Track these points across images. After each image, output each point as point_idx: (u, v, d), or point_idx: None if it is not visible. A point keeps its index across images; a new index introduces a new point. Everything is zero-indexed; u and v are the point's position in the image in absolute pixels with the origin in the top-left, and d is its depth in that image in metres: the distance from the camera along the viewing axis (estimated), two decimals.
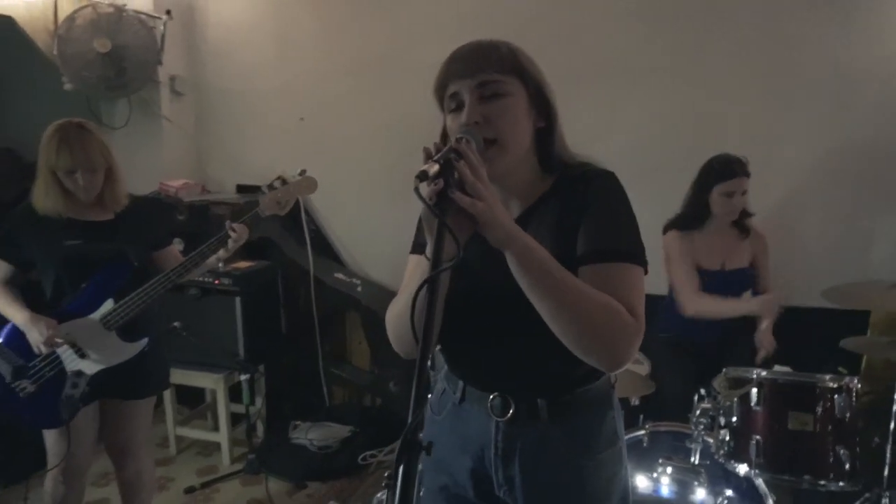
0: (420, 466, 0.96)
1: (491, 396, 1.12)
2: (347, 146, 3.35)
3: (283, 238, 3.30)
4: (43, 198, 1.91)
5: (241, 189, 3.53)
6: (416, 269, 1.10)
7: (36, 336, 1.87)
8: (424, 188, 0.87)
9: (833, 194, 2.81)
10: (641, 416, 2.20)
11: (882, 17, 2.65)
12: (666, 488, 1.90)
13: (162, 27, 3.21)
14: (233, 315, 2.95)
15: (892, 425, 2.06)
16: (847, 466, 1.77)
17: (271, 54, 3.37)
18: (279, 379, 3.22)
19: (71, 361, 1.94)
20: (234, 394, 3.06)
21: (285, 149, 3.45)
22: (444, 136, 1.09)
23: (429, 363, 0.78)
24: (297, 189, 2.11)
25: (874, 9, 2.65)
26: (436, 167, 0.86)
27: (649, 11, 2.88)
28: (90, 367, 1.94)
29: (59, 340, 1.90)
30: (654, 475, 1.94)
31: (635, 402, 2.25)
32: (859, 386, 1.85)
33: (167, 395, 3.03)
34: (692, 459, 1.95)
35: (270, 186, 2.08)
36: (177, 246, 2.28)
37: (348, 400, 3.39)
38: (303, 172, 2.14)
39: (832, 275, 2.42)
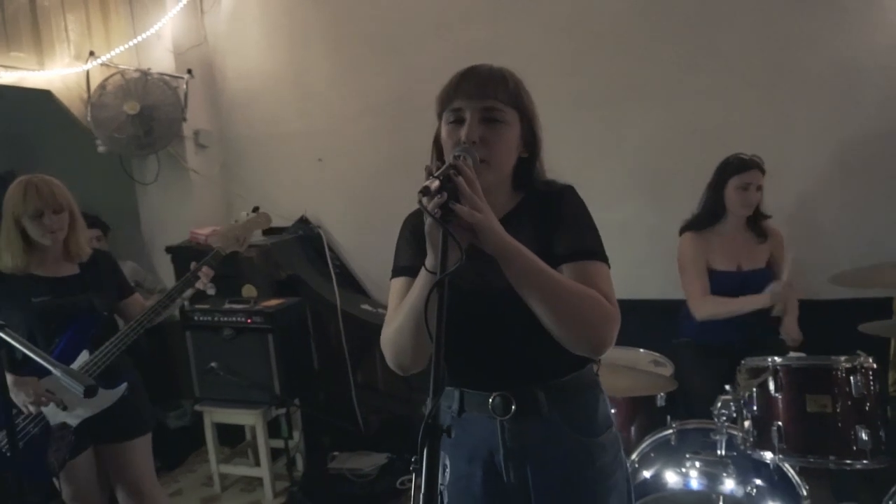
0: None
1: (491, 397, 1.23)
2: (366, 183, 3.60)
3: (309, 274, 3.53)
4: (4, 253, 2.02)
5: (267, 231, 3.78)
6: (402, 289, 1.22)
7: (23, 398, 1.95)
8: (426, 202, 1.00)
9: (847, 186, 2.93)
10: (668, 417, 2.31)
11: (876, 7, 2.80)
12: (695, 482, 2.00)
13: (185, 86, 3.54)
14: (266, 352, 3.13)
15: None
16: (870, 445, 1.86)
17: (290, 100, 3.66)
18: (315, 412, 3.39)
19: (54, 416, 2.04)
20: (273, 429, 3.23)
21: (307, 189, 3.72)
22: (437, 141, 1.28)
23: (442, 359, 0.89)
24: (250, 225, 2.37)
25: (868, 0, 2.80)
26: (436, 182, 1.01)
27: (647, 30, 3.08)
28: (73, 419, 2.06)
29: (45, 399, 1.97)
30: (683, 470, 2.05)
31: (661, 402, 2.36)
32: (875, 365, 1.94)
33: (208, 433, 3.24)
34: (718, 452, 2.05)
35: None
36: (209, 290, 2.43)
37: (383, 428, 3.54)
38: (256, 209, 2.42)
39: (851, 264, 2.53)
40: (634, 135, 3.14)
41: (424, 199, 1.00)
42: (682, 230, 2.69)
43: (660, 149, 3.13)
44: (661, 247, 2.87)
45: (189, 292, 2.18)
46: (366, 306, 3.50)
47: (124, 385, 2.10)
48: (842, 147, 2.92)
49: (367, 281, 3.70)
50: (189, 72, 3.56)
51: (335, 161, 3.65)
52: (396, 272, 1.31)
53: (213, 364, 3.14)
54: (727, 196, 2.59)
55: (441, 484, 0.87)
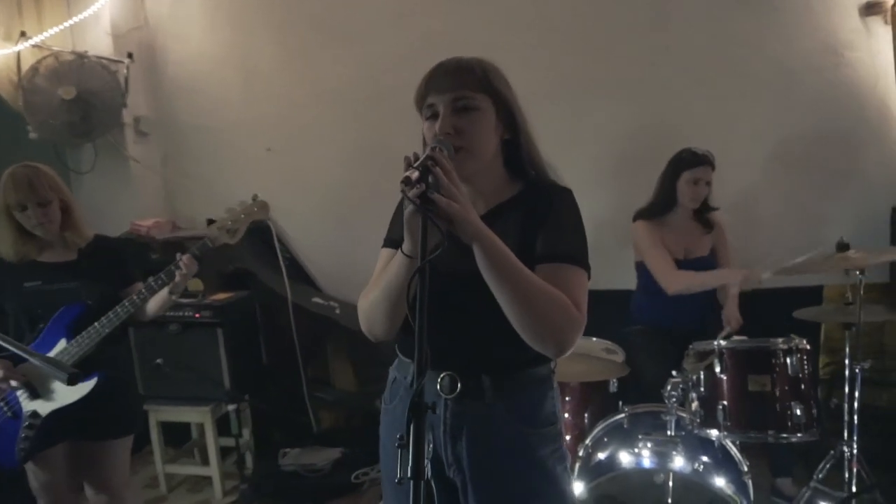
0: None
1: (440, 376, 1.28)
2: (316, 173, 3.60)
3: (258, 267, 3.52)
4: (1, 243, 2.05)
5: (212, 223, 3.73)
6: (387, 260, 1.31)
7: None
8: (408, 191, 1.08)
9: (785, 181, 3.16)
10: (620, 402, 2.45)
11: (806, 9, 3.02)
12: (647, 460, 2.13)
13: (125, 70, 3.45)
14: (216, 347, 3.12)
15: (846, 389, 2.37)
16: (804, 420, 2.05)
17: (236, 86, 3.62)
18: (265, 408, 3.39)
19: (25, 402, 2.05)
20: (221, 427, 3.22)
21: (254, 179, 3.64)
22: (425, 139, 1.35)
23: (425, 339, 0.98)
24: (248, 215, 2.23)
25: (800, 2, 3.02)
26: (416, 173, 1.09)
27: (604, 26, 3.21)
28: (43, 407, 2.05)
29: (14, 383, 1.98)
30: (636, 450, 2.18)
31: (613, 388, 2.51)
32: (808, 347, 2.14)
33: (153, 433, 3.19)
34: (668, 432, 2.20)
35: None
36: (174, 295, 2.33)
37: (336, 423, 3.57)
38: (255, 198, 2.28)
39: (789, 255, 2.72)
40: (590, 129, 3.27)
41: (406, 189, 1.08)
42: (635, 218, 2.86)
43: (613, 143, 3.27)
44: (612, 238, 3.02)
45: (175, 286, 2.11)
46: (317, 299, 3.52)
47: (94, 379, 2.03)
48: (780, 143, 3.15)
49: (318, 274, 3.71)
50: (129, 55, 3.47)
51: (284, 150, 3.63)
52: (385, 242, 1.39)
53: (158, 361, 3.09)
54: (679, 189, 2.76)
55: (426, 458, 0.94)
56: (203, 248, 2.15)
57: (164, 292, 2.13)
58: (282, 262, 3.51)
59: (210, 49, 3.65)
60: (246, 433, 3.36)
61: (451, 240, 1.12)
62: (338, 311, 3.46)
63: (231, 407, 3.09)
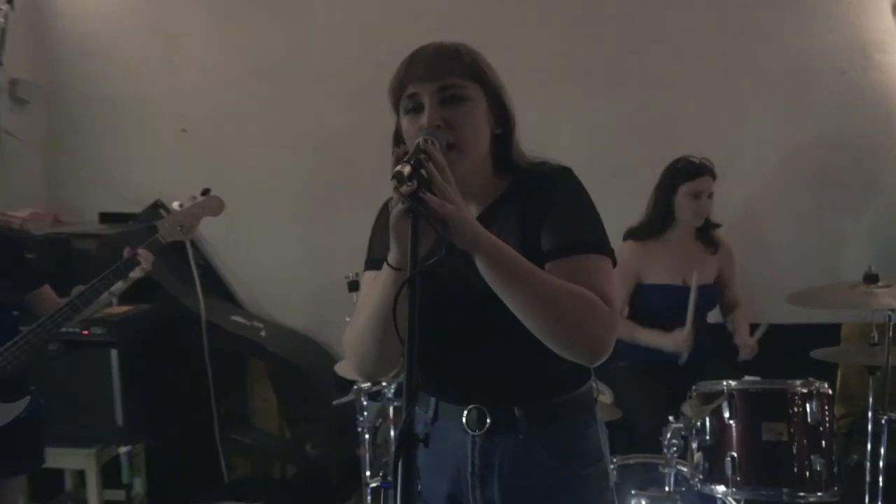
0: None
1: (466, 410, 1.32)
2: (244, 164, 3.54)
3: (164, 275, 3.40)
4: None
5: (106, 218, 3.63)
6: (374, 284, 1.29)
7: None
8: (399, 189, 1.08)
9: (797, 196, 3.27)
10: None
11: (833, 3, 3.14)
12: None
13: (1, 19, 3.31)
14: (107, 372, 3.01)
15: (868, 445, 2.44)
16: (825, 477, 2.11)
17: (151, 53, 3.55)
18: (166, 451, 3.28)
19: None
20: (108, 475, 3.08)
21: (164, 167, 3.60)
22: (398, 136, 1.35)
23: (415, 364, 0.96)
24: (201, 211, 2.33)
25: None
26: (408, 168, 1.09)
27: (590, 4, 3.27)
28: None
29: None
30: None
31: None
32: (830, 392, 2.22)
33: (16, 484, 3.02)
34: (666, 488, 2.22)
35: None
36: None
37: (253, 472, 3.49)
38: (206, 192, 2.37)
39: (801, 282, 2.81)
40: (569, 124, 3.31)
41: (398, 186, 1.08)
42: (625, 237, 2.90)
43: (599, 142, 3.33)
44: None
45: (120, 286, 2.15)
46: (237, 318, 3.46)
47: (26, 399, 2.07)
48: (793, 152, 3.26)
49: (239, 287, 3.64)
50: (9, 2, 3.33)
51: (204, 133, 3.56)
52: (367, 264, 1.39)
53: (31, 388, 2.94)
54: (678, 204, 2.81)
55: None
56: (155, 244, 2.22)
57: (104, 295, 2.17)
58: (195, 271, 3.44)
59: (119, 5, 3.57)
60: (139, 483, 3.25)
61: (451, 247, 1.12)
62: (263, 334, 3.40)
63: (123, 449, 3.00)
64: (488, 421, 1.31)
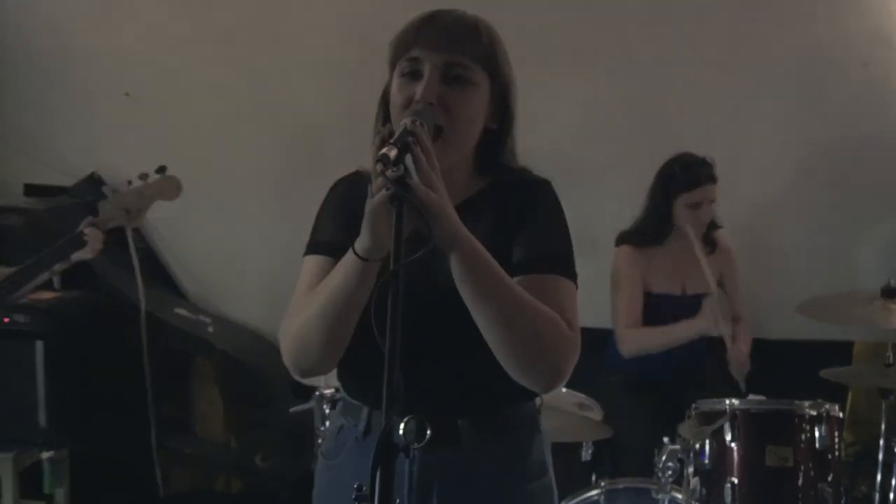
0: None
1: (403, 421, 1.27)
2: (194, 136, 3.54)
3: (100, 260, 3.40)
4: None
5: (33, 191, 3.61)
6: (317, 271, 1.33)
7: None
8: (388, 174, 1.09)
9: (810, 198, 3.34)
10: (594, 475, 2.53)
11: None
12: None
13: None
14: (30, 367, 3.02)
15: (878, 475, 2.51)
16: None
17: (89, 6, 3.52)
18: (95, 458, 3.27)
19: None
20: (28, 483, 3.08)
21: (102, 136, 3.59)
22: (385, 96, 1.38)
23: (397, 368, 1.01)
24: (153, 193, 2.29)
25: None
26: (395, 150, 1.10)
27: None
28: None
29: None
30: None
31: (587, 455, 2.59)
32: (841, 415, 2.29)
33: None
34: None
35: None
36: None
37: (193, 484, 3.50)
38: (161, 169, 2.32)
39: (810, 292, 2.89)
40: (561, 108, 3.35)
41: (383, 170, 1.10)
42: (619, 241, 2.96)
43: (592, 130, 3.39)
44: (589, 261, 3.11)
45: (59, 266, 2.14)
46: (181, 310, 3.47)
47: None
48: (807, 152, 3.32)
49: (185, 276, 3.65)
50: None
51: (150, 99, 3.56)
52: (313, 248, 1.40)
53: None
54: (676, 213, 2.88)
55: None
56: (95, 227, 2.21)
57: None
58: (134, 256, 3.41)
59: None
60: (61, 494, 3.23)
61: (418, 241, 1.14)
62: (210, 329, 3.41)
63: (46, 455, 3.00)
64: (428, 432, 1.26)
